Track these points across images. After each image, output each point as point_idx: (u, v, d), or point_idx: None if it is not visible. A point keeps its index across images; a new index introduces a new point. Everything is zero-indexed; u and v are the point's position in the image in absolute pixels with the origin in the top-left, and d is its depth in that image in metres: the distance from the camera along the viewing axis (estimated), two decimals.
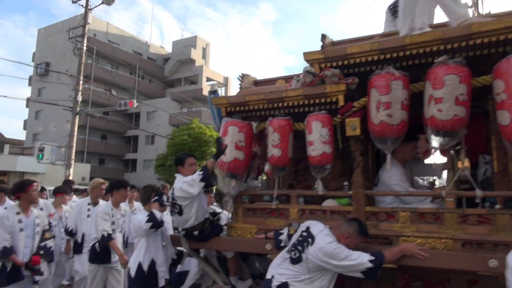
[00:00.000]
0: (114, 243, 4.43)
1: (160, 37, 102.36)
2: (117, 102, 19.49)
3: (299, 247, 2.87)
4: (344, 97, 3.13)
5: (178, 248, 4.06)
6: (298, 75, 3.59)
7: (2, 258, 3.74)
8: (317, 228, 2.94)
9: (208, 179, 3.52)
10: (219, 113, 3.95)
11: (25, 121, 39.60)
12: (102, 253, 4.49)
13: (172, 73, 41.66)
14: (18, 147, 33.93)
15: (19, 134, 72.70)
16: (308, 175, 3.79)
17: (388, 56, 2.90)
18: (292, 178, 4.11)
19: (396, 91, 2.81)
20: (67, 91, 19.65)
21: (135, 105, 18.40)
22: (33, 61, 37.98)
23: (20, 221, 3.89)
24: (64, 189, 6.19)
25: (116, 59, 32.52)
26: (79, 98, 17.55)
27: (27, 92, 52.93)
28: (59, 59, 34.17)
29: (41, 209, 5.09)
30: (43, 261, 3.98)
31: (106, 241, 4.39)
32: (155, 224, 3.70)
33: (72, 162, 17.30)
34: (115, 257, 4.53)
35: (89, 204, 5.51)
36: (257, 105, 3.56)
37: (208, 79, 40.64)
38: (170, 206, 3.79)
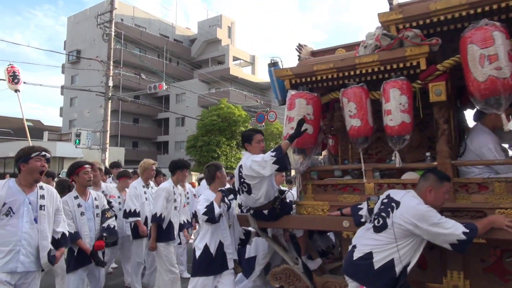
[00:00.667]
0: (154, 226, 4.55)
1: (185, 18, 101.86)
2: (146, 85, 19.58)
3: (383, 214, 2.70)
4: (426, 61, 2.85)
5: (245, 228, 3.97)
6: (363, 42, 3.35)
7: (68, 244, 3.64)
8: (399, 193, 2.77)
9: (283, 163, 3.27)
10: (280, 86, 3.74)
11: (61, 108, 40.74)
12: (167, 231, 4.58)
13: (199, 54, 41.54)
14: (56, 134, 35.08)
15: (56, 121, 75.14)
16: (380, 148, 3.58)
17: (479, 10, 2.61)
18: (362, 152, 3.87)
19: (499, 41, 2.50)
20: (99, 77, 19.85)
21: (164, 88, 18.44)
22: (64, 49, 38.71)
23: (79, 205, 3.84)
24: (127, 173, 6.11)
25: (143, 43, 32.61)
26: (110, 83, 17.73)
27: (60, 80, 54.21)
28: (89, 46, 34.67)
29: (103, 192, 5.07)
30: (108, 242, 3.96)
31: (157, 221, 4.50)
32: (211, 219, 3.41)
33: (107, 146, 17.64)
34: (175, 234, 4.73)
35: (143, 186, 5.45)
36: (325, 75, 3.31)
37: (235, 58, 40.30)
38: (237, 184, 3.64)
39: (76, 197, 3.88)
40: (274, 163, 3.25)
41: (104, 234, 3.89)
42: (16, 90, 9.09)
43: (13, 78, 8.97)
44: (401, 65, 2.97)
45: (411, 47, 2.87)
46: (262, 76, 41.34)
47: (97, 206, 4.01)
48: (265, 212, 3.56)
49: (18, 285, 2.89)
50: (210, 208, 3.45)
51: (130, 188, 5.46)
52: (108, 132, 17.77)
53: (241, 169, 3.54)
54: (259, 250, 4.22)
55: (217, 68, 38.87)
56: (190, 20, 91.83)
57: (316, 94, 3.46)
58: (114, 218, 4.24)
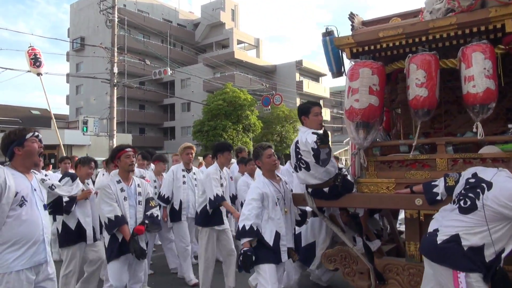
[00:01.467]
0: (226, 203, 4.43)
1: (188, 2, 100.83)
2: (151, 71, 19.64)
3: (470, 195, 2.48)
4: None
5: (301, 208, 3.68)
6: (423, 8, 3.14)
7: (114, 229, 3.51)
8: (489, 172, 2.53)
9: (322, 156, 2.98)
10: (336, 56, 3.54)
11: (67, 96, 40.99)
12: (214, 215, 4.45)
13: (202, 38, 41.27)
14: (63, 121, 35.40)
15: (63, 109, 75.60)
16: (449, 121, 3.33)
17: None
18: (427, 126, 3.63)
19: None
20: (104, 64, 19.91)
21: (169, 73, 18.49)
22: (68, 36, 38.70)
23: (122, 189, 3.68)
24: (163, 157, 6.01)
25: (147, 28, 32.47)
26: (115, 70, 17.80)
27: (65, 67, 54.28)
28: (93, 33, 34.64)
29: (143, 177, 5.00)
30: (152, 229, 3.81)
31: (219, 201, 4.34)
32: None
33: (115, 133, 17.82)
34: (225, 219, 4.58)
35: (183, 170, 5.37)
36: (392, 42, 3.07)
37: (239, 42, 39.98)
38: (294, 161, 3.38)
39: (118, 182, 3.70)
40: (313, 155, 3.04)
41: (147, 221, 3.72)
42: (39, 74, 8.54)
43: (35, 61, 8.42)
44: (482, 28, 2.73)
45: (496, 7, 2.62)
46: (267, 59, 41.09)
47: (139, 193, 3.81)
48: (326, 190, 3.29)
49: (38, 281, 2.61)
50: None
51: (168, 173, 5.36)
52: (115, 119, 17.95)
53: (298, 145, 3.26)
54: (316, 234, 4.06)
55: (221, 52, 38.64)
56: (193, 3, 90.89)
57: (381, 63, 3.19)
58: (158, 207, 4.06)
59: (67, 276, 4.05)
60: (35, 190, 2.69)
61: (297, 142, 3.31)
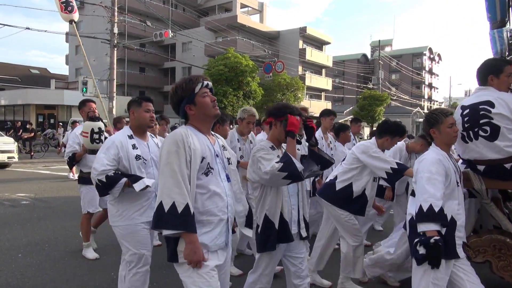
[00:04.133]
0: None
1: None
2: (152, 33, 19.26)
3: None
4: None
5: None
6: None
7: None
8: None
9: None
10: (502, 3, 3.22)
11: (66, 56, 40.43)
12: None
13: (205, 1, 40.24)
14: (63, 82, 35.13)
15: (63, 69, 74.69)
16: None
17: None
18: None
19: None
20: (104, 24, 19.49)
21: (170, 35, 18.13)
22: None
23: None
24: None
25: None
26: (115, 30, 17.48)
27: (65, 26, 53.12)
28: None
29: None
30: None
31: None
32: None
33: (114, 94, 17.73)
34: None
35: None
36: None
37: (243, 6, 39.02)
38: (468, 128, 2.84)
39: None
40: None
41: None
42: (71, 21, 7.55)
43: (66, 5, 7.31)
44: None
45: None
46: (270, 24, 40.23)
47: None
48: (508, 166, 2.71)
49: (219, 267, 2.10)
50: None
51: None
52: (115, 80, 17.80)
53: (486, 107, 2.74)
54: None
55: (224, 15, 37.78)
56: None
57: None
58: None
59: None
60: (217, 156, 2.14)
61: (483, 103, 2.76)
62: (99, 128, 4.22)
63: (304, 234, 2.70)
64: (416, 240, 2.39)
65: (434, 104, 64.78)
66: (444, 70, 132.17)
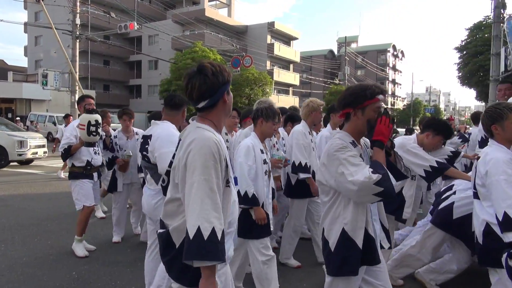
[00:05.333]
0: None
1: None
2: (117, 25, 18.71)
3: None
4: None
5: None
6: None
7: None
8: None
9: None
10: None
11: (25, 47, 38.62)
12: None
13: None
14: (21, 74, 33.55)
15: (21, 61, 71.35)
16: None
17: None
18: None
19: None
20: (65, 15, 18.72)
21: (135, 28, 17.68)
22: None
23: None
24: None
25: None
26: (78, 21, 16.87)
27: (23, 16, 50.74)
28: None
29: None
30: None
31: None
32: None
33: (77, 88, 17.12)
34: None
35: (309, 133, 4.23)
36: None
37: None
38: None
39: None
40: None
41: None
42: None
43: None
44: None
45: None
46: (238, 19, 40.06)
47: None
48: None
49: None
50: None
51: (297, 135, 4.08)
52: (77, 73, 17.18)
53: None
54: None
55: (191, 8, 37.25)
56: None
57: None
58: None
59: None
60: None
61: None
62: (96, 121, 4.25)
63: (386, 245, 2.20)
64: (506, 253, 2.24)
65: (397, 99, 66.82)
66: (407, 67, 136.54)
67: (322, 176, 2.10)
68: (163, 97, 25.78)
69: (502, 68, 13.52)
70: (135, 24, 17.47)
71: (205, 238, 1.54)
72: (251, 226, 3.02)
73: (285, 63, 40.99)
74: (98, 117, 4.29)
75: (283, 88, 40.51)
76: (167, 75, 26.69)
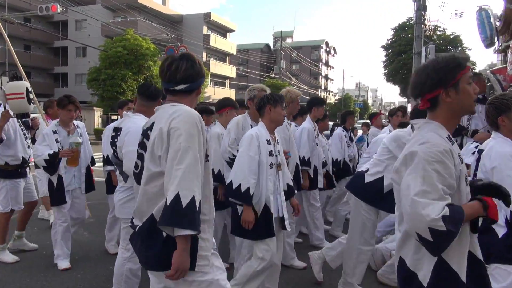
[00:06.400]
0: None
1: None
2: (37, 7, 17.26)
3: None
4: None
5: None
6: None
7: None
8: None
9: None
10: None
11: None
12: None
13: None
14: None
15: None
16: None
17: None
18: None
19: None
20: None
21: (58, 10, 16.45)
22: None
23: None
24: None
25: None
26: None
27: None
28: None
29: None
30: None
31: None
32: None
33: None
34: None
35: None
36: None
37: None
38: None
39: None
40: None
41: None
42: None
43: None
44: None
45: None
46: (174, 7, 38.94)
47: None
48: None
49: None
50: None
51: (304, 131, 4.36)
52: None
53: None
54: None
55: None
56: None
57: None
58: None
59: None
60: None
61: None
62: (27, 88, 3.74)
63: None
64: None
65: (329, 94, 69.51)
66: (339, 63, 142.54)
67: (396, 178, 1.61)
68: (92, 87, 24.38)
69: None
70: (58, 6, 16.21)
71: (183, 205, 1.53)
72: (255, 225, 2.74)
73: (221, 55, 40.70)
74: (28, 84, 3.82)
75: (220, 80, 40.25)
76: (96, 63, 25.22)
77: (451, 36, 25.35)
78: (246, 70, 44.90)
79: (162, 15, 35.61)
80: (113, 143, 3.00)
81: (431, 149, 1.47)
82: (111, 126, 3.74)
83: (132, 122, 2.82)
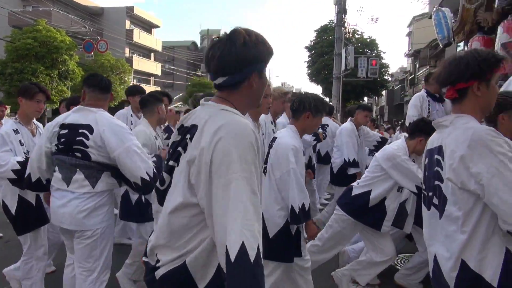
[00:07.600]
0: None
1: None
2: None
3: None
4: None
5: None
6: None
7: None
8: None
9: None
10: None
11: None
12: None
13: None
14: None
15: None
16: None
17: None
18: None
19: None
20: None
21: None
22: None
23: None
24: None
25: None
26: None
27: None
28: None
29: None
30: None
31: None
32: None
33: None
34: None
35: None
36: None
37: None
38: None
39: None
40: None
41: None
42: None
43: None
44: None
45: None
46: None
47: None
48: None
49: None
50: None
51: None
52: None
53: None
54: None
55: None
56: None
57: None
58: None
59: None
60: None
61: None
62: None
63: None
64: None
65: None
66: None
67: (456, 176, 1.52)
68: None
69: (343, 67, 15.38)
70: None
71: (252, 260, 1.11)
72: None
73: (145, 52, 39.33)
74: None
75: (144, 77, 38.81)
76: (2, 55, 22.85)
77: (368, 40, 26.97)
78: (172, 67, 43.87)
79: (79, 6, 33.35)
80: (74, 142, 2.36)
81: (491, 131, 1.46)
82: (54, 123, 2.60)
83: (104, 118, 2.37)
